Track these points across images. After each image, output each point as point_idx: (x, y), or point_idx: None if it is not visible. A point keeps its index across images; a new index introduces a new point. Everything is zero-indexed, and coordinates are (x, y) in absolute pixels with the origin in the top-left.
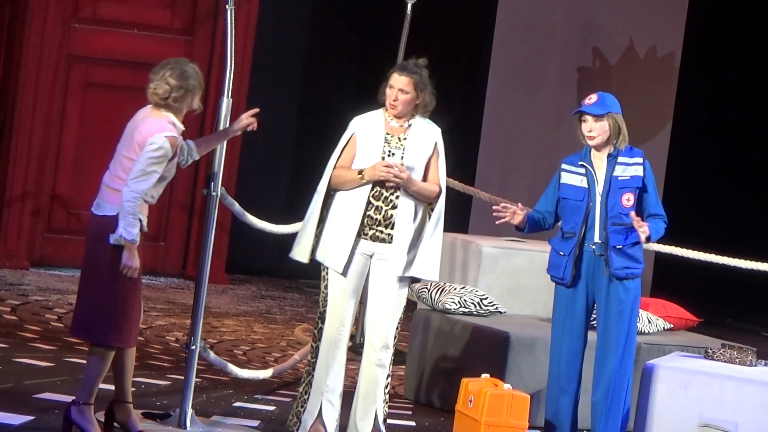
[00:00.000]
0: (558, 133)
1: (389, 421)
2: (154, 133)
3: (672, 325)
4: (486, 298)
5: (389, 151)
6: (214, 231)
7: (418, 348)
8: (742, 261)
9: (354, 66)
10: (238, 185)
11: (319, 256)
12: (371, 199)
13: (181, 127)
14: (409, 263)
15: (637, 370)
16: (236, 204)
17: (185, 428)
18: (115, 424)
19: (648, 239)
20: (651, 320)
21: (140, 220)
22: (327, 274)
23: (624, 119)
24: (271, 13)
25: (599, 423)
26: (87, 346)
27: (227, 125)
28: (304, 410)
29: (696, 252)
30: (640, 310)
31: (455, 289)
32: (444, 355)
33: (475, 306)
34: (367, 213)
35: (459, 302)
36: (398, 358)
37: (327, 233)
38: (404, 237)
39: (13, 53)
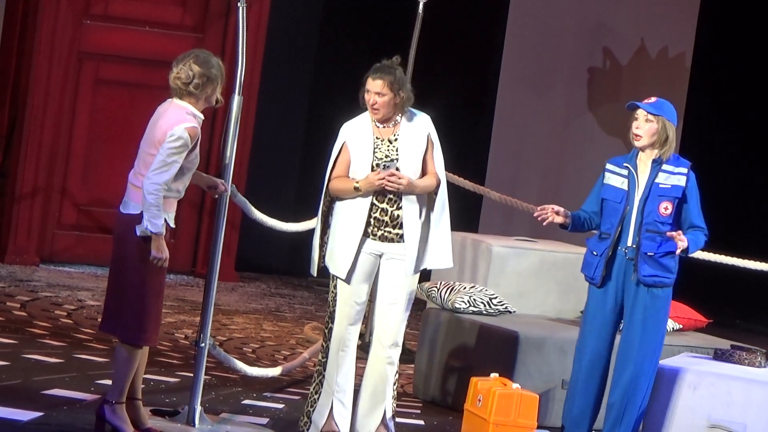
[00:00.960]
0: (568, 132)
1: (397, 419)
2: (174, 125)
3: (681, 326)
4: (495, 298)
5: (384, 163)
6: (224, 228)
7: (427, 347)
8: (753, 262)
9: (365, 64)
10: (249, 183)
11: (327, 262)
12: (375, 201)
13: (201, 117)
14: (420, 258)
15: None
16: (246, 202)
17: (194, 425)
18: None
19: (686, 251)
20: None
21: (167, 219)
22: (335, 276)
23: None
24: (282, 11)
25: (611, 425)
26: (98, 343)
27: (238, 123)
28: (314, 410)
29: (706, 252)
30: None
31: (465, 288)
32: (453, 354)
33: (485, 305)
34: (374, 215)
35: (468, 301)
36: (407, 356)
37: (332, 239)
38: (413, 235)
39: (24, 50)
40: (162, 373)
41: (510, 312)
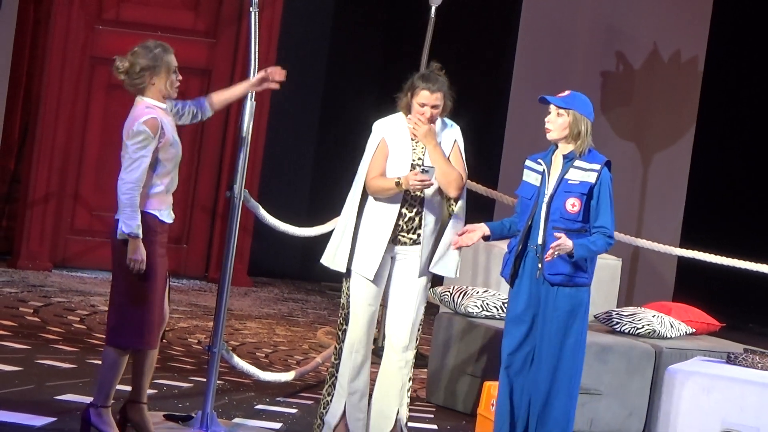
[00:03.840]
0: None
1: (411, 424)
2: (134, 123)
3: (694, 330)
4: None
5: (423, 168)
6: (237, 233)
7: (440, 351)
8: (766, 266)
9: (377, 68)
10: (261, 188)
11: (350, 263)
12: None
13: (162, 105)
14: (431, 261)
15: (659, 375)
16: (259, 206)
17: (207, 430)
18: (129, 424)
19: (571, 255)
20: (673, 325)
21: (158, 215)
22: (349, 277)
23: (647, 123)
24: (294, 16)
25: (534, 425)
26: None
27: (250, 128)
28: (327, 411)
29: (719, 256)
30: (662, 315)
31: (477, 292)
32: (466, 359)
33: (498, 309)
34: (397, 221)
35: (481, 306)
36: (420, 361)
37: (358, 241)
38: (430, 238)
39: (36, 55)
40: (175, 378)
41: None
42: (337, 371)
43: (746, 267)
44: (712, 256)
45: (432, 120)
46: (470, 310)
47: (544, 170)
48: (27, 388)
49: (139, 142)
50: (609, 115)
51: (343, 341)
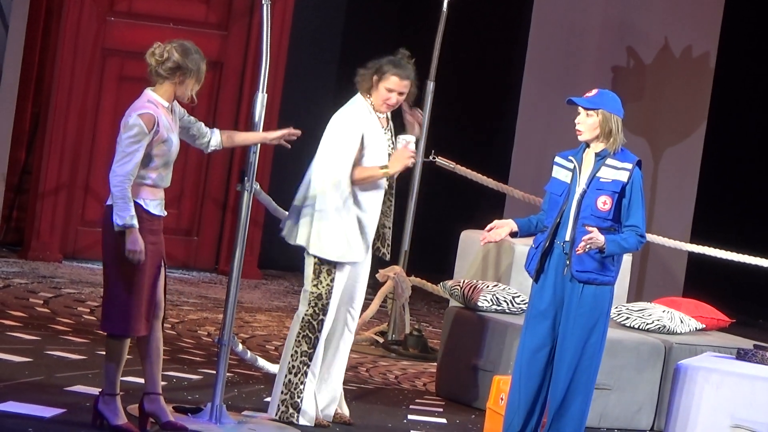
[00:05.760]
0: None
1: (421, 418)
2: (131, 114)
3: (704, 326)
4: (518, 296)
5: (405, 139)
6: (248, 226)
7: (450, 345)
8: None
9: None
10: (272, 181)
11: (341, 254)
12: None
13: (165, 103)
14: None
15: (668, 370)
16: (270, 199)
17: (216, 423)
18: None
19: (602, 251)
20: (683, 320)
21: (143, 204)
22: (334, 267)
23: (658, 119)
24: (306, 8)
25: (551, 422)
26: None
27: (261, 120)
28: (301, 400)
29: (729, 252)
30: (672, 311)
31: (488, 287)
32: (476, 353)
33: (508, 304)
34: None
35: (491, 300)
36: (430, 355)
37: (348, 230)
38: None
39: (48, 46)
40: (185, 370)
41: None
42: (310, 360)
43: (757, 263)
44: (723, 251)
45: (395, 106)
46: (480, 304)
47: (575, 167)
48: (37, 379)
49: (132, 136)
50: None
51: (319, 331)
